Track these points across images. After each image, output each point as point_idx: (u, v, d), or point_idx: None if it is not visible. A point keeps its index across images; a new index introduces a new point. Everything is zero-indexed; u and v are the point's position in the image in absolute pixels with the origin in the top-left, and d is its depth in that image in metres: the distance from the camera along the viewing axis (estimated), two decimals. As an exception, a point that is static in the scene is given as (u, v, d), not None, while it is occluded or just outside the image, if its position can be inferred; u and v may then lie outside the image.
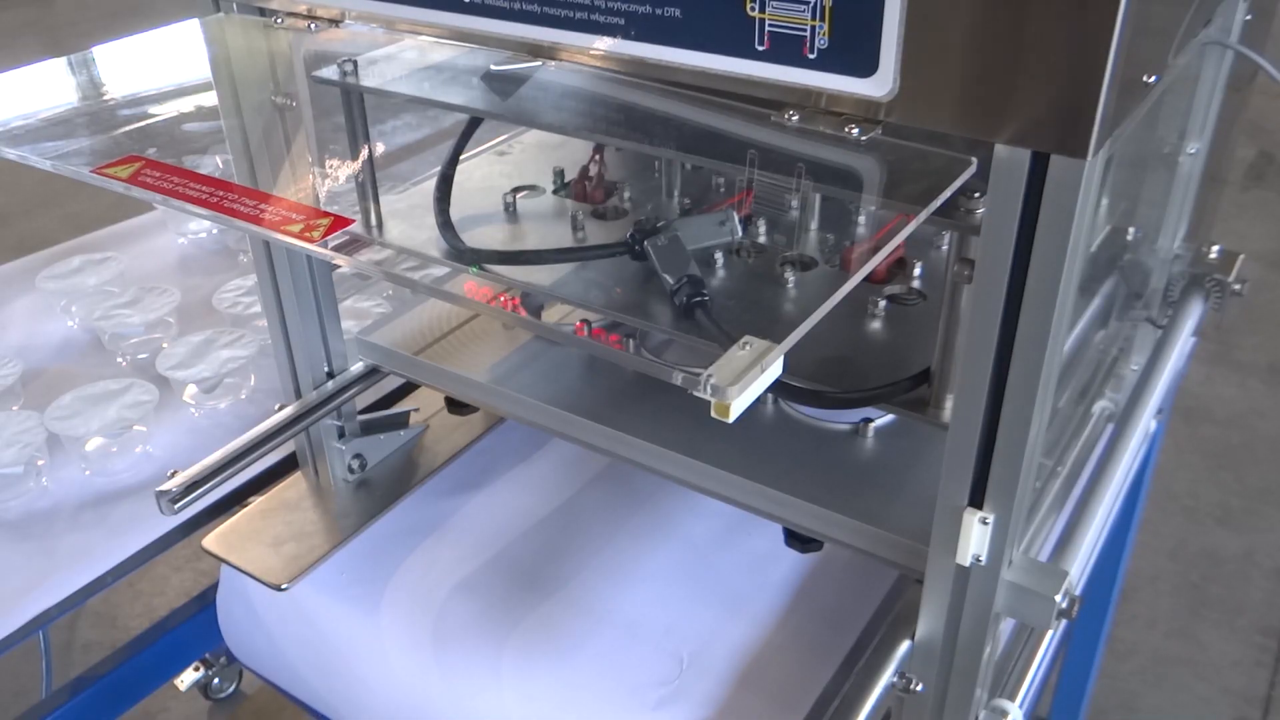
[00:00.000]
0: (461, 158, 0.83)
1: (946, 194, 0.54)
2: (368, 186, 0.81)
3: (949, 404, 0.69)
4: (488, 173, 0.90)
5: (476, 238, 0.81)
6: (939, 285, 0.77)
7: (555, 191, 0.88)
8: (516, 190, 0.86)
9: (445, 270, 0.84)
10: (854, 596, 0.85)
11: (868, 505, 0.71)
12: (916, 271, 0.83)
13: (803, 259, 0.79)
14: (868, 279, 0.79)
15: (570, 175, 0.88)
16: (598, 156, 0.87)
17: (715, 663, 0.82)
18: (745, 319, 0.73)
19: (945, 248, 0.87)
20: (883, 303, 0.79)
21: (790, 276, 0.76)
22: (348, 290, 1.21)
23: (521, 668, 0.83)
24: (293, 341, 0.90)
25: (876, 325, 0.78)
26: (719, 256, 0.77)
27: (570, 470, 1.01)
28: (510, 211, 0.84)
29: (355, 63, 0.74)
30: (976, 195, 0.57)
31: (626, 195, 0.87)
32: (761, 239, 0.82)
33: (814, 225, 0.84)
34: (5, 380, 1.13)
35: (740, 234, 0.76)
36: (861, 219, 0.85)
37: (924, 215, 0.52)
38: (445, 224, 0.81)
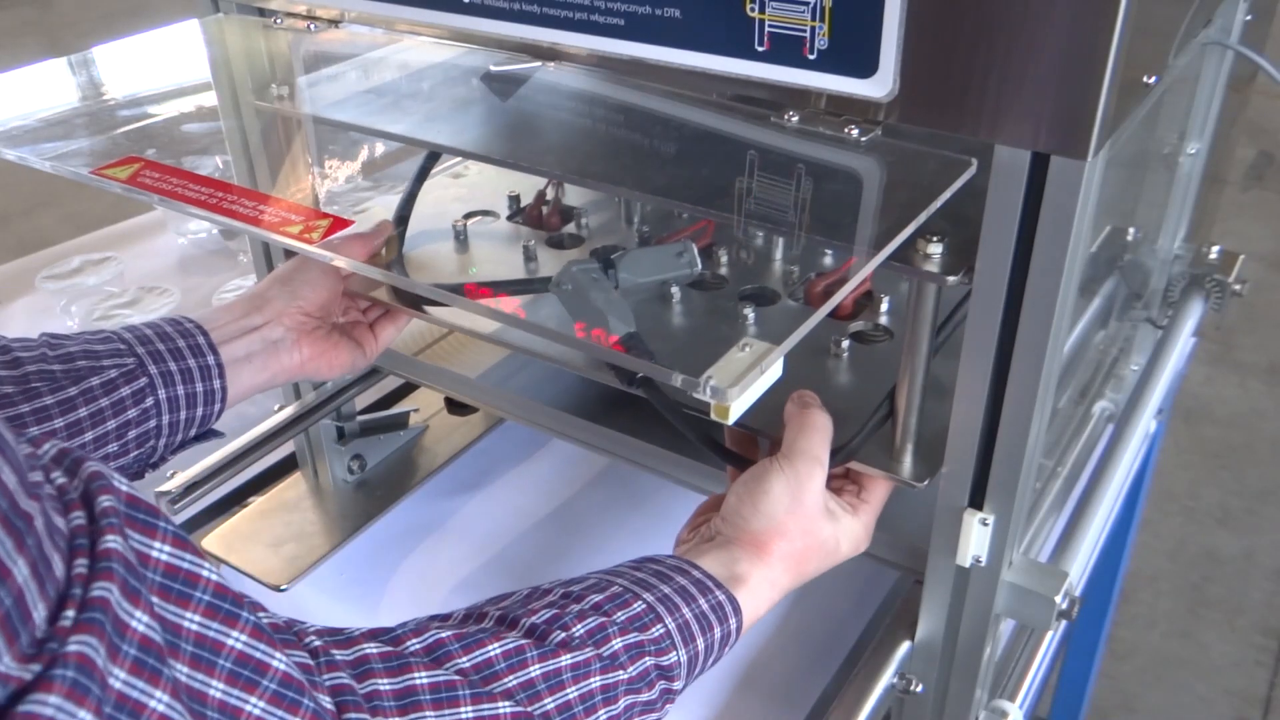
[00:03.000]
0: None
1: (946, 194, 0.54)
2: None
3: (909, 457, 0.65)
4: (440, 196, 0.85)
5: (422, 269, 0.77)
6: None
7: (510, 217, 0.84)
8: (469, 216, 0.82)
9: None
10: (854, 596, 0.85)
11: (867, 506, 0.71)
12: (884, 306, 0.78)
13: (764, 292, 0.76)
14: (832, 314, 0.75)
15: (527, 199, 0.84)
16: (554, 180, 0.83)
17: (715, 663, 0.81)
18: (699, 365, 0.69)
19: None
20: (846, 342, 0.74)
21: (749, 313, 0.72)
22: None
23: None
24: (292, 342, 0.89)
25: (838, 366, 0.73)
26: (675, 291, 0.73)
27: (570, 470, 1.01)
28: (460, 240, 0.80)
29: (291, 86, 0.72)
30: (935, 238, 0.55)
31: (585, 222, 0.83)
32: (723, 270, 0.78)
33: (778, 256, 0.80)
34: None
35: (699, 267, 0.72)
36: (829, 253, 0.80)
37: (924, 216, 0.52)
38: (395, 262, 0.77)
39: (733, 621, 0.58)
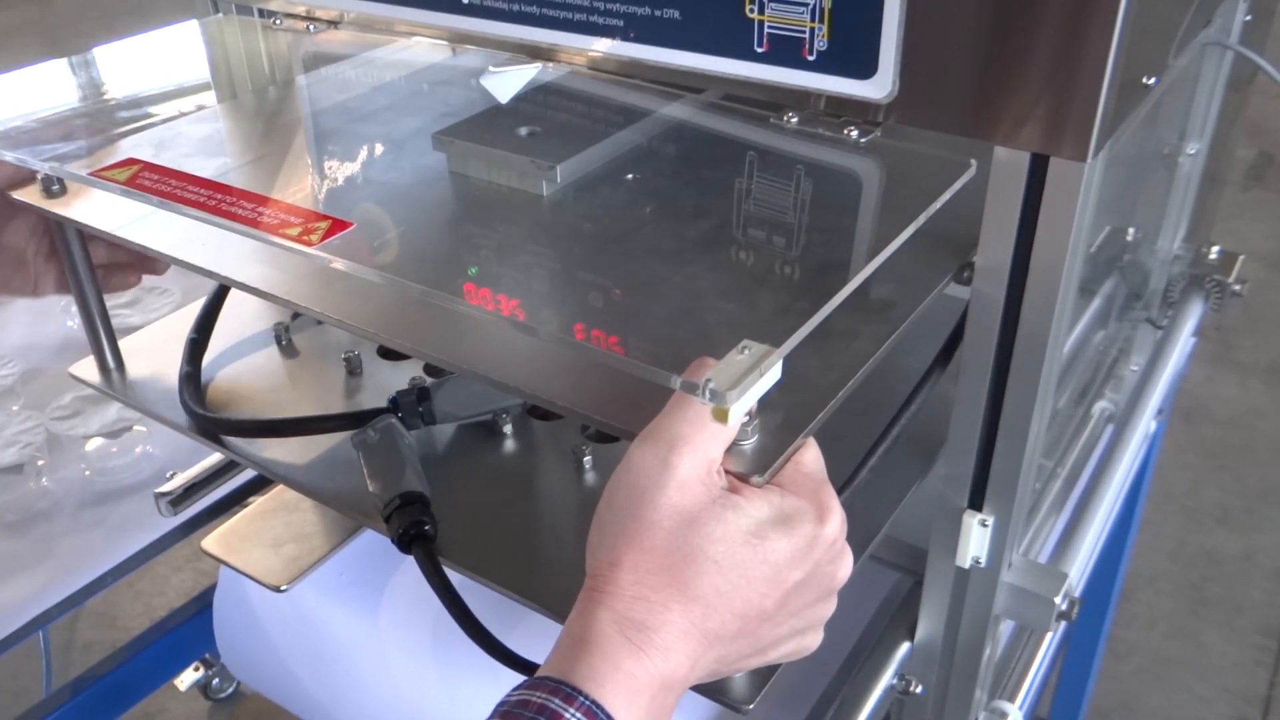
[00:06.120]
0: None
1: (946, 195, 0.54)
2: (97, 321, 0.69)
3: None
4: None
5: (227, 386, 0.67)
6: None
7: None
8: (296, 316, 0.67)
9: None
10: (854, 597, 0.85)
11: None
12: None
13: None
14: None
15: None
16: None
17: (715, 664, 0.81)
18: (493, 540, 0.59)
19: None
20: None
21: (588, 456, 0.59)
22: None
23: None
24: (292, 342, 0.89)
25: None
26: (508, 424, 0.60)
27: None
28: (283, 345, 0.69)
29: (63, 184, 0.62)
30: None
31: None
32: None
33: None
34: (5, 380, 1.13)
35: None
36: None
37: (923, 217, 0.52)
38: (190, 375, 0.67)
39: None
